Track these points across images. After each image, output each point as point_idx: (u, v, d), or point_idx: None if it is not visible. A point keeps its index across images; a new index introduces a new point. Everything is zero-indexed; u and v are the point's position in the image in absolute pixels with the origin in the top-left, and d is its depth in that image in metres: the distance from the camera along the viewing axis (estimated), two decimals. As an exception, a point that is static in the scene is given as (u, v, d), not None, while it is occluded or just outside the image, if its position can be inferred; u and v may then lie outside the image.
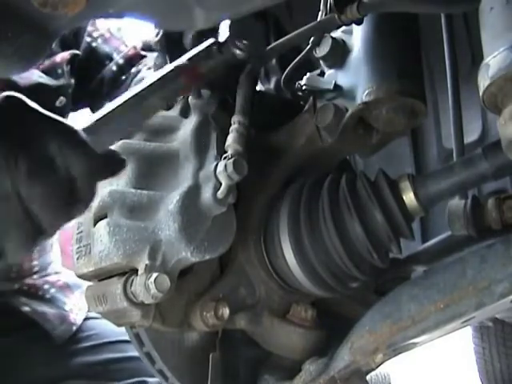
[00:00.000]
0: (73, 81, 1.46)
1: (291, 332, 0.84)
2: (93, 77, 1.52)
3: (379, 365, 0.78)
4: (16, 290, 1.52)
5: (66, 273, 1.63)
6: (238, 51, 0.82)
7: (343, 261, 0.81)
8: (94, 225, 0.77)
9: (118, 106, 0.72)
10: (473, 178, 0.78)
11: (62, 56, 1.42)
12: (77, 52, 1.47)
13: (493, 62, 0.60)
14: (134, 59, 1.52)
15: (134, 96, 0.73)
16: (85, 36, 1.49)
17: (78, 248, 0.79)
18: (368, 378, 0.81)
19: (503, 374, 2.15)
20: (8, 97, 0.59)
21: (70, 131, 0.63)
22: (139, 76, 1.47)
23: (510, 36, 0.59)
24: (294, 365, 0.83)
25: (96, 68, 1.52)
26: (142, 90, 0.74)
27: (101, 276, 0.78)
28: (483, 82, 0.61)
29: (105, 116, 0.70)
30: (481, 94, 0.62)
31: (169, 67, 0.78)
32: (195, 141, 0.82)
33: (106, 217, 0.76)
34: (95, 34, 1.51)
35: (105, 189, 0.77)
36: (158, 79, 0.76)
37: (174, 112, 0.89)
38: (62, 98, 1.42)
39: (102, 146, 0.67)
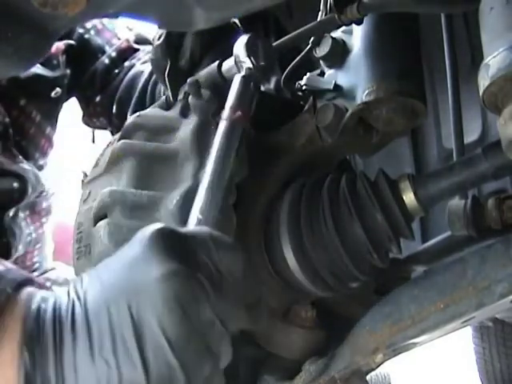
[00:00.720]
0: (68, 71, 1.46)
1: (291, 332, 0.84)
2: (86, 69, 1.51)
3: (379, 365, 0.78)
4: None
5: (60, 267, 1.64)
6: (260, 76, 0.83)
7: (343, 261, 0.81)
8: (94, 225, 0.77)
9: (209, 184, 0.72)
10: (473, 178, 0.78)
11: (57, 46, 1.41)
12: (72, 42, 1.47)
13: (493, 62, 0.60)
14: (126, 52, 1.51)
15: (216, 170, 0.73)
16: (77, 26, 1.48)
17: (78, 248, 0.79)
18: (368, 378, 0.81)
19: (503, 374, 2.15)
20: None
21: (219, 237, 0.63)
22: (133, 70, 1.46)
23: (509, 36, 0.59)
24: (293, 365, 0.83)
25: (89, 60, 1.51)
26: (220, 160, 0.74)
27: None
28: (483, 81, 0.61)
29: (207, 198, 0.71)
30: (481, 94, 0.62)
31: (224, 125, 0.77)
32: (195, 141, 0.82)
33: (106, 217, 0.76)
34: (88, 25, 1.50)
35: (105, 189, 0.77)
36: (226, 142, 0.75)
37: (174, 112, 0.89)
38: (57, 89, 1.43)
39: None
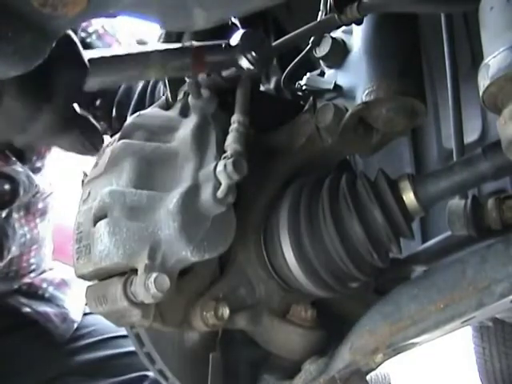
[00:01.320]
0: None
1: (291, 332, 0.84)
2: None
3: (379, 365, 0.78)
4: (15, 290, 1.52)
5: (58, 267, 1.63)
6: (246, 61, 0.83)
7: (343, 261, 0.81)
8: (94, 225, 0.76)
9: (122, 55, 0.72)
10: (473, 178, 0.78)
11: None
12: None
13: (493, 62, 0.60)
14: None
15: (138, 53, 0.74)
16: (79, 30, 1.48)
17: (78, 248, 0.79)
18: (368, 378, 0.81)
19: (503, 374, 2.15)
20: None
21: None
22: None
23: (510, 36, 0.59)
24: (293, 365, 0.83)
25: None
26: (148, 52, 0.75)
27: (101, 276, 0.78)
28: (483, 82, 0.61)
29: (110, 57, 0.71)
30: (481, 94, 0.62)
31: (178, 44, 0.79)
32: (195, 141, 0.82)
33: (105, 217, 0.75)
34: (90, 30, 1.50)
35: (105, 189, 0.77)
36: (166, 49, 0.77)
37: (174, 112, 0.89)
38: None
39: (98, 83, 0.68)
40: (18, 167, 1.40)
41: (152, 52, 0.75)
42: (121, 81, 0.75)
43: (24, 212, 1.46)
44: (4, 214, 1.39)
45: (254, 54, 0.83)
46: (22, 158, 1.41)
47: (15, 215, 1.44)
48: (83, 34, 1.49)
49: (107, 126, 1.53)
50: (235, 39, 0.84)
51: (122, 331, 1.41)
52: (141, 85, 1.39)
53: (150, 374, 1.38)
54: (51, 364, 1.47)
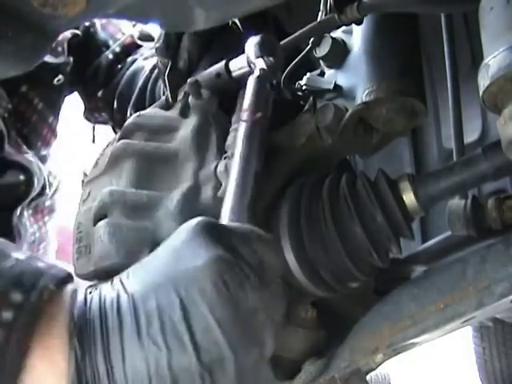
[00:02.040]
0: (71, 59, 1.44)
1: (291, 332, 0.84)
2: (89, 62, 1.50)
3: (379, 365, 0.78)
4: None
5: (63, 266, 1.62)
6: (262, 63, 0.83)
7: (343, 261, 0.81)
8: (94, 225, 0.77)
9: (237, 185, 0.73)
10: (473, 178, 0.78)
11: (64, 34, 1.40)
12: (77, 32, 1.45)
13: (493, 62, 0.60)
14: (130, 48, 1.51)
15: (242, 170, 0.74)
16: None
17: (78, 248, 0.79)
18: (368, 378, 0.81)
19: (503, 373, 2.15)
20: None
21: (262, 235, 0.65)
22: (135, 66, 1.45)
23: (510, 36, 0.59)
24: (293, 365, 0.83)
25: (93, 54, 1.49)
26: (245, 162, 0.75)
27: (101, 276, 0.78)
28: (483, 82, 0.61)
29: (236, 199, 0.72)
30: (481, 93, 0.62)
31: (243, 127, 0.78)
32: (195, 141, 0.82)
33: (106, 217, 0.76)
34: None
35: (105, 189, 0.77)
36: (249, 146, 0.76)
37: (174, 112, 0.89)
38: (60, 76, 1.40)
39: None
40: (30, 156, 1.37)
41: (252, 161, 0.76)
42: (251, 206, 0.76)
43: (33, 210, 1.45)
44: (18, 213, 1.38)
45: (271, 59, 0.83)
46: (29, 144, 1.39)
47: (25, 213, 1.42)
48: (87, 23, 1.48)
49: (108, 117, 1.52)
50: (250, 44, 0.84)
51: None
52: (142, 79, 1.38)
53: None
54: None
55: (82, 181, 0.88)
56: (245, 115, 0.78)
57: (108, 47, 1.50)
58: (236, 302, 0.56)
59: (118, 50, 1.50)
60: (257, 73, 0.82)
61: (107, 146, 0.89)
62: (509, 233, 0.76)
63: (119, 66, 1.49)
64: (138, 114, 0.89)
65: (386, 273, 0.91)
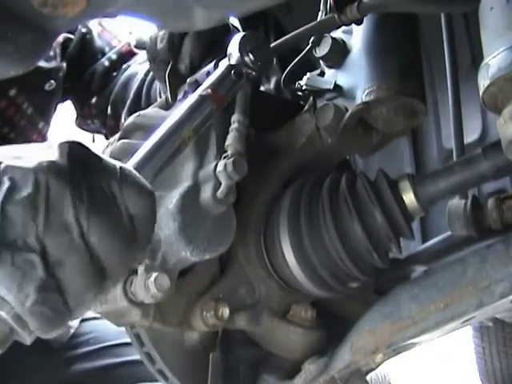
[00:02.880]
0: (64, 65, 1.41)
1: (291, 332, 0.84)
2: (84, 70, 1.47)
3: (379, 365, 0.78)
4: None
5: None
6: (249, 71, 0.83)
7: (343, 261, 0.81)
8: (94, 225, 0.76)
9: (156, 143, 0.72)
10: (473, 178, 0.78)
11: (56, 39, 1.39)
12: (70, 36, 1.43)
13: (493, 62, 0.60)
14: (126, 56, 1.49)
15: (168, 131, 0.74)
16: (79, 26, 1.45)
17: (78, 248, 0.79)
18: (368, 378, 0.81)
19: (503, 373, 2.15)
20: (72, 145, 0.60)
21: (127, 172, 0.63)
22: (129, 71, 1.44)
23: (510, 36, 0.60)
24: (293, 365, 0.83)
25: (89, 61, 1.47)
26: (175, 124, 0.75)
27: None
28: (483, 82, 0.61)
29: (147, 153, 0.71)
30: (481, 93, 0.62)
31: (192, 98, 0.79)
32: (195, 140, 0.82)
33: (105, 217, 0.75)
34: (90, 26, 1.48)
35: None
36: (187, 111, 0.76)
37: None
38: (51, 81, 1.37)
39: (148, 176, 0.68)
40: None
41: (177, 123, 0.76)
42: (165, 165, 0.75)
43: None
44: None
45: (251, 56, 0.83)
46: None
47: None
48: (84, 30, 1.47)
49: (101, 125, 1.51)
50: (234, 42, 0.84)
51: (121, 339, 1.39)
52: (137, 84, 1.38)
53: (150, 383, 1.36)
54: (48, 373, 1.44)
55: (82, 181, 0.88)
56: (199, 90, 0.80)
57: (104, 54, 1.49)
58: (49, 207, 0.56)
59: (114, 57, 1.48)
60: (231, 62, 0.83)
61: (107, 145, 0.89)
62: (509, 233, 0.76)
63: (114, 74, 1.47)
64: (137, 114, 0.89)
65: (386, 273, 0.91)
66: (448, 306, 0.72)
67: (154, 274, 0.70)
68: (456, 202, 0.85)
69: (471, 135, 1.16)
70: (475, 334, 2.17)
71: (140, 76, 1.38)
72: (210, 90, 0.79)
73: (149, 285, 0.70)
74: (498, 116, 0.63)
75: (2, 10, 0.58)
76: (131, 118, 0.88)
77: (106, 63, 1.48)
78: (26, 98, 1.34)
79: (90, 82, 1.48)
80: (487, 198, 0.83)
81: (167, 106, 0.93)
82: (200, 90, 0.80)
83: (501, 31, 0.61)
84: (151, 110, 0.93)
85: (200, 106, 0.78)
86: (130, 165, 0.68)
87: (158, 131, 0.74)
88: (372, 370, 0.79)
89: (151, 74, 1.32)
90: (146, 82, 1.35)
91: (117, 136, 0.88)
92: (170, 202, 0.75)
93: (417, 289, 0.75)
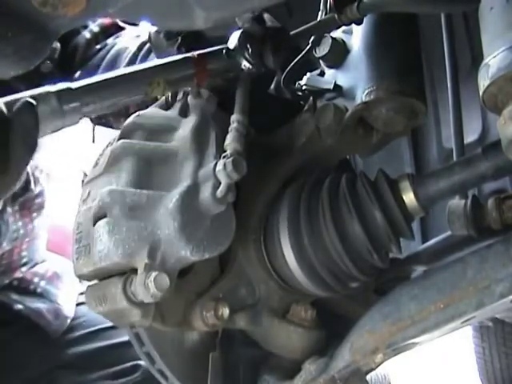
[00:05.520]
0: (59, 45, 1.38)
1: (291, 332, 0.84)
2: (67, 44, 1.42)
3: (379, 365, 0.78)
4: (6, 285, 1.49)
5: (51, 259, 1.60)
6: (245, 61, 0.83)
7: (343, 261, 0.81)
8: (94, 224, 0.76)
9: (122, 75, 0.73)
10: (473, 178, 0.78)
11: None
12: None
13: (493, 62, 0.60)
14: (110, 29, 1.44)
15: (140, 70, 0.74)
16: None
17: (78, 248, 0.79)
18: (368, 378, 0.81)
19: (503, 373, 2.15)
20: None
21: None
22: (118, 46, 1.39)
23: (510, 36, 0.59)
24: (293, 365, 0.83)
25: (71, 34, 1.41)
26: (150, 68, 0.75)
27: (101, 276, 0.78)
28: (483, 82, 0.61)
29: (108, 79, 0.71)
30: (481, 94, 0.62)
31: (180, 56, 0.79)
32: (194, 140, 0.82)
33: (105, 216, 0.75)
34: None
35: (104, 188, 0.77)
36: (167, 62, 0.77)
37: (174, 112, 0.89)
38: (47, 62, 1.34)
39: (99, 108, 0.68)
40: None
41: (152, 68, 0.76)
42: (124, 103, 0.75)
43: (19, 207, 1.43)
44: None
45: (250, 52, 0.83)
46: None
47: (9, 209, 1.39)
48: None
49: (96, 119, 1.49)
50: (233, 39, 0.84)
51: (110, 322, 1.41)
52: (127, 58, 1.33)
53: (142, 363, 1.36)
54: (43, 358, 1.45)
55: (82, 181, 0.88)
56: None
57: (86, 27, 1.43)
58: None
59: (96, 29, 1.43)
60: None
61: (107, 145, 0.89)
62: (509, 233, 0.76)
63: (98, 47, 1.41)
64: (137, 113, 0.89)
65: (386, 273, 0.91)
66: (448, 306, 0.72)
67: (154, 274, 0.70)
68: (456, 202, 0.85)
69: (471, 135, 1.16)
70: (475, 334, 2.17)
71: (132, 50, 1.34)
72: (195, 54, 0.80)
73: (148, 284, 0.70)
74: (498, 116, 0.63)
75: (2, 10, 0.58)
76: (131, 118, 0.88)
77: (88, 35, 1.43)
78: (22, 82, 1.33)
79: (73, 55, 1.42)
80: (487, 197, 0.83)
81: (167, 106, 0.93)
82: (190, 54, 0.81)
83: (501, 31, 0.61)
84: (151, 110, 0.93)
85: (180, 64, 0.79)
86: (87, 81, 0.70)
87: (131, 68, 0.75)
88: (372, 369, 0.79)
89: (146, 48, 1.30)
90: (140, 57, 1.31)
91: (116, 136, 0.88)
92: (169, 201, 0.75)
93: (417, 289, 0.75)
